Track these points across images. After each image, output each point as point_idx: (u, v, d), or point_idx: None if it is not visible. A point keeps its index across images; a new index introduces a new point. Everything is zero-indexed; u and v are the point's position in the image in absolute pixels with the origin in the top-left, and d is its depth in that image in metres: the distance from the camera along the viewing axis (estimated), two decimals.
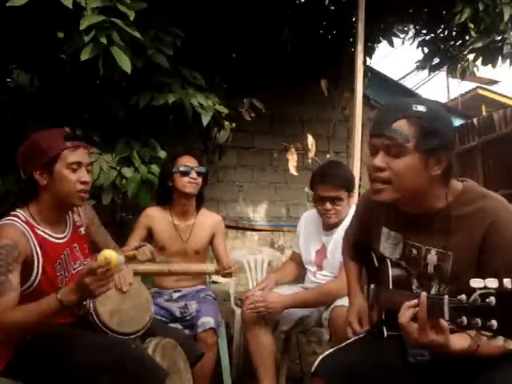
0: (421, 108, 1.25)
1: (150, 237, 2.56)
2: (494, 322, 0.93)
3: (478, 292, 0.97)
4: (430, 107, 1.27)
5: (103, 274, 1.38)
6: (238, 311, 2.75)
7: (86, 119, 3.01)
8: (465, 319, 0.99)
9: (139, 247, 2.21)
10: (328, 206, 2.30)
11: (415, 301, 1.14)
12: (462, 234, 1.29)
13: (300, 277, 2.58)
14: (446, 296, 1.06)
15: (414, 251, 1.39)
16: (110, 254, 1.41)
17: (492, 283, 0.96)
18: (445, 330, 1.11)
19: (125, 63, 2.39)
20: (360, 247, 1.67)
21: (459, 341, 1.15)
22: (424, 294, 1.11)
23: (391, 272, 1.39)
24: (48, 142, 1.62)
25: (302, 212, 2.73)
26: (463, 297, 1.00)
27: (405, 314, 1.15)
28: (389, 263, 1.41)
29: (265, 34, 4.09)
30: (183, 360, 1.76)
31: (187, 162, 2.51)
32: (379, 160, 1.28)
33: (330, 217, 2.33)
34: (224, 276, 2.38)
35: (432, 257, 1.35)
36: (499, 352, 1.18)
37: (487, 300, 0.95)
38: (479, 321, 0.95)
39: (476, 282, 0.98)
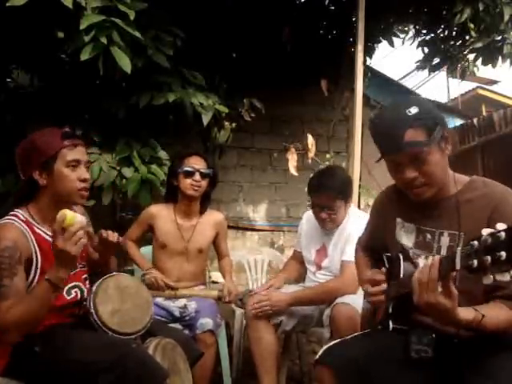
0: (414, 110, 1.34)
1: (151, 233, 2.57)
2: (503, 253, 0.94)
3: (489, 233, 0.99)
4: (418, 102, 1.38)
5: (68, 232, 1.39)
6: (238, 311, 2.74)
7: (86, 119, 3.00)
8: (475, 261, 1.00)
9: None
10: (323, 214, 2.35)
11: (429, 263, 1.18)
12: (471, 217, 1.38)
13: (301, 276, 2.59)
14: (459, 248, 1.09)
15: (428, 236, 1.47)
16: (62, 212, 1.42)
17: (502, 226, 0.98)
18: (453, 295, 1.15)
19: (125, 63, 2.39)
20: (371, 251, 1.73)
21: (465, 312, 1.20)
22: (437, 256, 1.18)
23: (403, 265, 1.43)
24: (45, 141, 1.59)
25: (302, 212, 2.75)
26: (474, 242, 1.02)
27: (418, 272, 1.20)
28: (401, 257, 1.45)
29: (265, 34, 4.08)
30: (183, 360, 1.76)
31: (194, 162, 2.48)
32: (409, 172, 1.37)
33: (326, 224, 2.39)
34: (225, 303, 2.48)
35: (445, 239, 1.43)
36: (503, 325, 1.24)
37: (497, 235, 0.96)
38: (489, 258, 0.97)
39: (487, 231, 1.00)
